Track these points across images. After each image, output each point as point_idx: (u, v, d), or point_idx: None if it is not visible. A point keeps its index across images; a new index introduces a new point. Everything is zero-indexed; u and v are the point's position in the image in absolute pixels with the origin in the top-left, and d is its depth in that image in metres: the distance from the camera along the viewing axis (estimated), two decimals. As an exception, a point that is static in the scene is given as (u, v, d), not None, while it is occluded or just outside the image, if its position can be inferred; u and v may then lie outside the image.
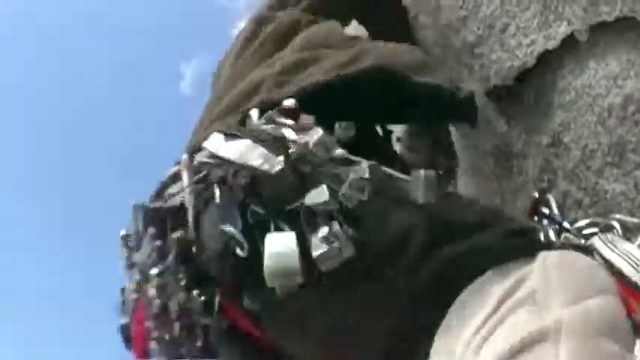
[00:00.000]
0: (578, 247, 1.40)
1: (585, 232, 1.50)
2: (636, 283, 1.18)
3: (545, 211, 1.68)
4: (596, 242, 1.36)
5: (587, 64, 1.65)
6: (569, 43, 1.68)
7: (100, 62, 9.27)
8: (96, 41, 9.15)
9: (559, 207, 1.71)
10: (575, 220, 1.54)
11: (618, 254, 1.27)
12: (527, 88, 1.84)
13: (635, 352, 1.06)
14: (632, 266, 1.21)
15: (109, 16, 8.80)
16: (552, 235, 1.57)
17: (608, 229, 1.41)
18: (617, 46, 1.55)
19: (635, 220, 1.39)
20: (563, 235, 1.55)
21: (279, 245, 1.21)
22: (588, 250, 1.36)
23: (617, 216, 1.44)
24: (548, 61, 1.75)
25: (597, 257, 1.32)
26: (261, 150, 1.33)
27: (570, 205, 1.71)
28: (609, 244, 1.32)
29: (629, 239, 1.33)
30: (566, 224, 1.57)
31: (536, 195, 1.77)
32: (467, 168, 2.26)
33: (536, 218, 1.64)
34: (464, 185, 2.26)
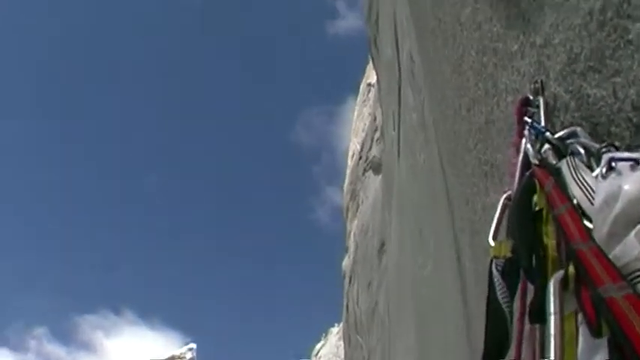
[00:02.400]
0: (548, 168, 1.48)
1: (567, 141, 1.58)
2: (583, 211, 1.26)
3: (529, 120, 1.74)
4: (563, 166, 1.44)
5: (574, -37, 1.62)
6: (559, -58, 1.64)
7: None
8: None
9: (547, 109, 1.77)
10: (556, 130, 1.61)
11: (576, 181, 1.34)
12: (524, -12, 1.83)
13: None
14: (586, 195, 1.28)
15: None
16: (531, 149, 1.65)
17: (575, 152, 1.47)
18: (599, -53, 1.52)
19: (596, 145, 1.43)
20: (543, 148, 1.62)
21: None
22: (556, 172, 1.44)
23: (583, 140, 1.49)
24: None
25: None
26: None
27: (559, 107, 1.75)
28: (572, 170, 1.39)
29: (590, 167, 1.38)
30: (547, 135, 1.64)
31: (529, 95, 1.82)
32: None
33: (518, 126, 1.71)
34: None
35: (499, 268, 1.59)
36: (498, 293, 1.54)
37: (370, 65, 21.10)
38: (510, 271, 1.58)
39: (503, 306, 1.52)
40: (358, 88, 28.09)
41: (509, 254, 1.59)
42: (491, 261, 1.62)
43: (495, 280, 1.57)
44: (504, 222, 1.81)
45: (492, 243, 1.75)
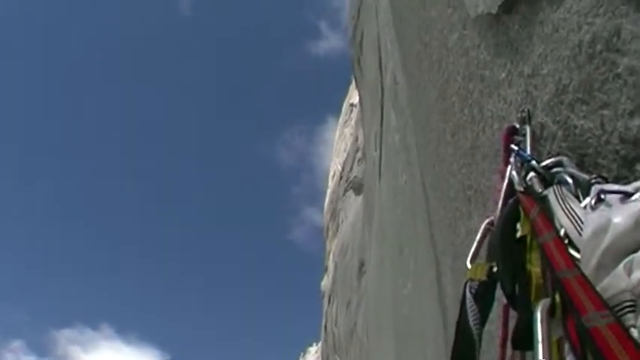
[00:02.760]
0: (533, 196, 1.49)
1: (553, 170, 1.59)
2: (571, 241, 1.27)
3: (515, 147, 1.76)
4: (551, 194, 1.45)
5: (564, -4, 1.64)
6: (550, -26, 1.67)
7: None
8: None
9: (534, 138, 1.78)
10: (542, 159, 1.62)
11: (564, 210, 1.35)
12: (513, 18, 1.85)
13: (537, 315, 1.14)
14: (574, 225, 1.29)
15: None
16: (516, 176, 1.66)
17: (562, 182, 1.48)
18: (590, -19, 1.54)
19: (585, 175, 1.44)
20: (529, 175, 1.63)
21: None
22: (542, 200, 1.45)
23: (571, 170, 1.51)
24: (531, -8, 1.75)
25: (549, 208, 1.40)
26: None
27: (546, 136, 1.76)
28: (560, 199, 1.40)
29: (577, 197, 1.39)
30: (533, 163, 1.65)
31: (515, 124, 1.84)
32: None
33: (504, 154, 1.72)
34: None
35: (472, 290, 1.59)
36: (469, 316, 1.55)
37: (353, 85, 21.23)
38: (484, 294, 1.58)
39: (473, 329, 1.53)
40: (339, 108, 28.22)
41: (484, 277, 1.61)
42: (466, 283, 1.63)
43: (467, 302, 1.58)
44: (485, 246, 1.82)
45: (469, 266, 1.75)
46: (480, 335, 1.53)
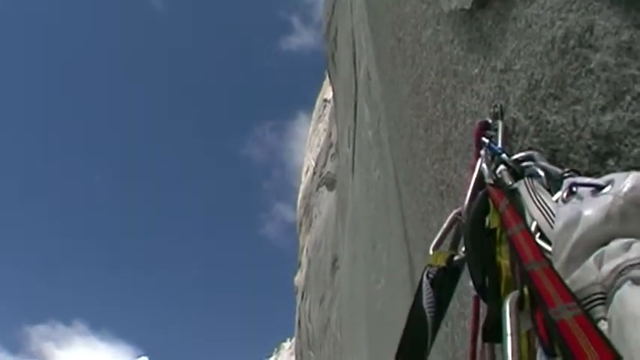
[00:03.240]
0: (503, 189, 1.49)
1: (523, 164, 1.60)
2: (542, 234, 1.28)
3: (486, 140, 1.76)
4: (521, 187, 1.46)
5: (538, -8, 1.65)
6: (523, -31, 1.67)
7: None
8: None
9: (506, 133, 1.79)
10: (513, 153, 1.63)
11: (535, 203, 1.35)
12: (486, 14, 1.85)
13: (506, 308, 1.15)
14: (546, 218, 1.29)
15: None
16: (486, 169, 1.67)
17: (534, 175, 1.49)
18: (563, -24, 1.55)
19: (557, 169, 1.45)
20: (499, 168, 1.64)
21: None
22: (512, 192, 1.46)
23: (543, 163, 1.52)
24: (504, -12, 1.75)
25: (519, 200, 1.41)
26: None
27: (518, 131, 1.77)
28: (531, 191, 1.40)
29: (549, 189, 1.40)
30: (504, 156, 1.66)
31: (488, 119, 1.85)
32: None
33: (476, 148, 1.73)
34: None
35: (430, 275, 1.60)
36: (424, 299, 1.55)
37: (327, 81, 21.21)
38: (442, 280, 1.60)
39: (426, 311, 1.53)
40: (311, 104, 28.20)
41: (443, 264, 1.61)
42: (425, 269, 1.64)
43: (424, 286, 1.58)
44: (450, 236, 1.82)
45: (431, 252, 1.76)
46: (433, 318, 1.53)
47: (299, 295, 22.70)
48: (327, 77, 19.19)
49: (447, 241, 1.83)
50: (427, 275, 1.61)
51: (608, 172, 1.36)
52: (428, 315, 1.52)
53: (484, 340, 1.41)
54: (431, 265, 1.64)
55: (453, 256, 1.65)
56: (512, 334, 1.12)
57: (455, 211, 1.86)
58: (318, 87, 26.81)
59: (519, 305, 1.17)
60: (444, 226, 1.84)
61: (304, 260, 22.34)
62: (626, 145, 1.37)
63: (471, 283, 1.53)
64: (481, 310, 1.60)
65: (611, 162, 1.42)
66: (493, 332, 1.22)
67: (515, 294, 1.19)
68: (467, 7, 1.91)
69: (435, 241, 1.81)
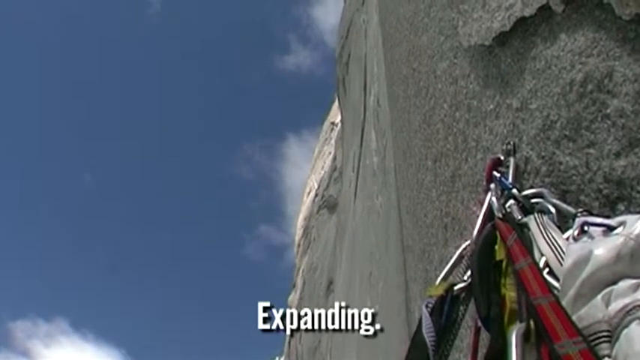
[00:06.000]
0: (511, 223, 1.50)
1: (533, 200, 1.62)
2: (551, 270, 1.28)
3: (497, 174, 1.78)
4: (531, 222, 1.47)
5: (559, 35, 1.69)
6: (545, 12, 1.70)
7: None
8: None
9: (517, 171, 1.80)
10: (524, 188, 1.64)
11: (545, 239, 1.36)
12: (505, 51, 1.87)
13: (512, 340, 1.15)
14: (555, 255, 1.30)
15: None
16: (495, 203, 1.68)
17: (545, 211, 1.50)
18: (586, 22, 1.58)
19: (569, 208, 1.46)
20: (508, 203, 1.66)
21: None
22: (522, 227, 1.47)
23: (555, 201, 1.53)
24: (525, 28, 1.77)
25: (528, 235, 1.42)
26: None
27: (530, 170, 1.78)
28: (541, 227, 1.41)
29: (560, 227, 1.41)
30: (514, 191, 1.68)
31: (500, 156, 1.86)
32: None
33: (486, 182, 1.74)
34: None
35: (429, 305, 1.61)
36: (423, 327, 1.57)
37: (335, 104, 21.31)
38: (440, 308, 1.61)
39: (426, 337, 1.54)
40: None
41: (441, 293, 1.62)
42: (424, 301, 1.65)
43: (423, 317, 1.59)
44: (457, 271, 1.83)
45: (437, 283, 1.77)
46: (432, 343, 1.53)
47: (291, 316, 22.56)
48: (337, 100, 19.27)
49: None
50: (426, 306, 1.62)
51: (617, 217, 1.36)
52: (428, 340, 1.53)
53: None
54: (430, 297, 1.65)
55: (453, 285, 1.66)
56: None
57: (464, 245, 1.86)
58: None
59: (525, 337, 1.17)
60: (454, 257, 1.85)
61: (299, 281, 22.26)
62: (638, 192, 1.38)
63: (467, 316, 1.54)
64: (480, 343, 1.60)
65: (621, 207, 1.44)
66: None
67: (521, 326, 1.20)
68: (487, 43, 1.93)
69: (443, 272, 1.82)
